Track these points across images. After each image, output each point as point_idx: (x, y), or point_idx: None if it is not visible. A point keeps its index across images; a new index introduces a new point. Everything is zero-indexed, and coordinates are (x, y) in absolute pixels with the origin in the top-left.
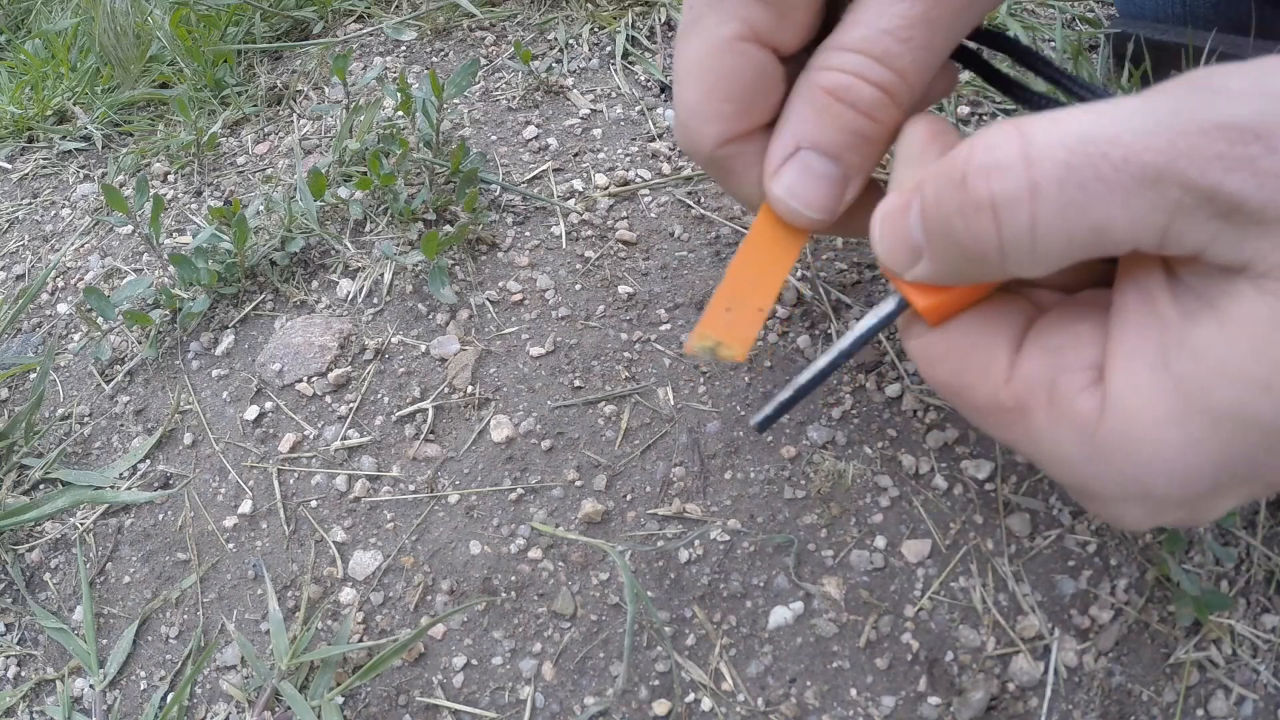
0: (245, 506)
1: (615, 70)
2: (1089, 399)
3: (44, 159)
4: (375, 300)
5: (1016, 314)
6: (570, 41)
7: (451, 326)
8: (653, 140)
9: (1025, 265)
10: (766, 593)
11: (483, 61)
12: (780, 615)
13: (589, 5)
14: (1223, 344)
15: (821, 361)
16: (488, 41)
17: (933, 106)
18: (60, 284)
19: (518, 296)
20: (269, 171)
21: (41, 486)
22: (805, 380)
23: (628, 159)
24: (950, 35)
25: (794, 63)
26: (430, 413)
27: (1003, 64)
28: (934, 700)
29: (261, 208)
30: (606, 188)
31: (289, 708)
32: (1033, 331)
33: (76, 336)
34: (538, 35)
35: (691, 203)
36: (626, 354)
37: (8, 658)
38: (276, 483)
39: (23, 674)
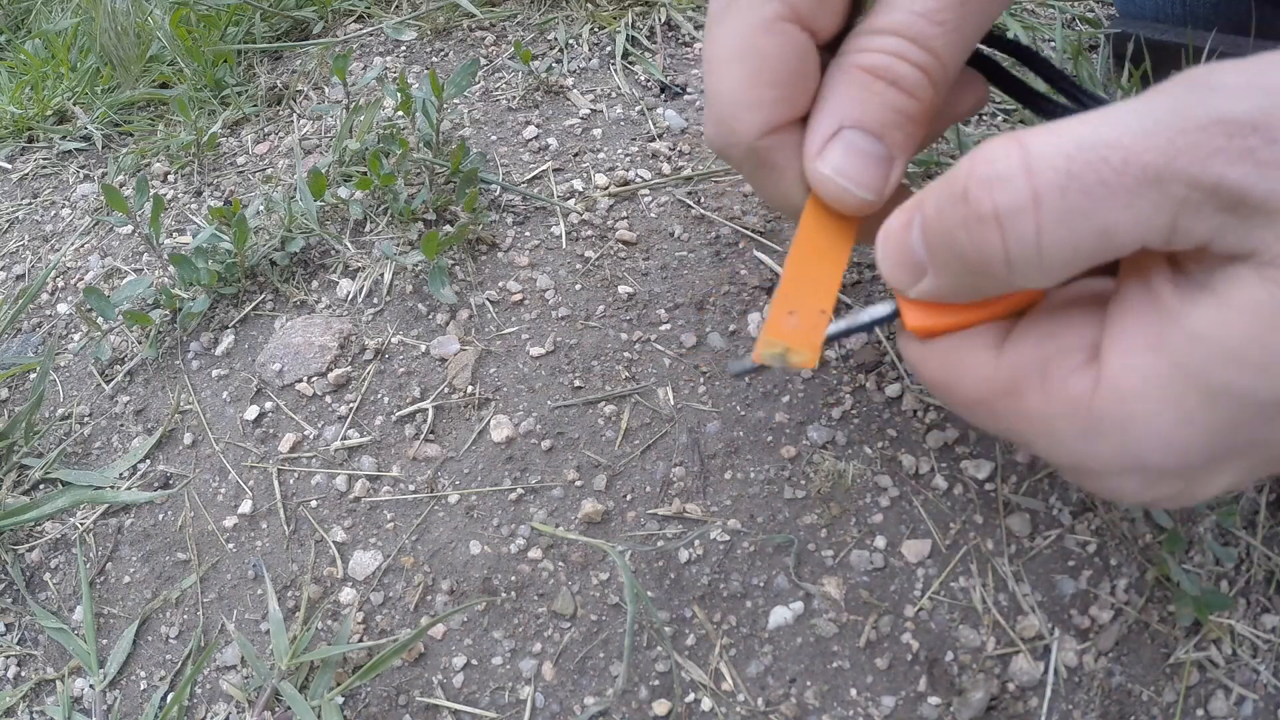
0: (245, 506)
1: (615, 70)
2: (1082, 377)
3: (44, 159)
4: (375, 300)
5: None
6: (570, 41)
7: (451, 326)
8: (653, 140)
9: (1033, 276)
10: (766, 593)
11: (483, 61)
12: (780, 615)
13: (589, 5)
14: (1222, 327)
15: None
16: (488, 41)
17: (961, 121)
18: (60, 284)
19: (518, 296)
20: (269, 171)
21: (41, 486)
22: None
23: (628, 159)
24: (980, 21)
25: (825, 52)
26: (430, 413)
27: (1019, 73)
28: (934, 700)
29: (261, 208)
30: (606, 188)
31: (289, 708)
32: (1023, 320)
33: (76, 336)
34: (538, 35)
35: (691, 203)
36: (626, 354)
37: (8, 658)
38: (276, 483)
39: (23, 674)
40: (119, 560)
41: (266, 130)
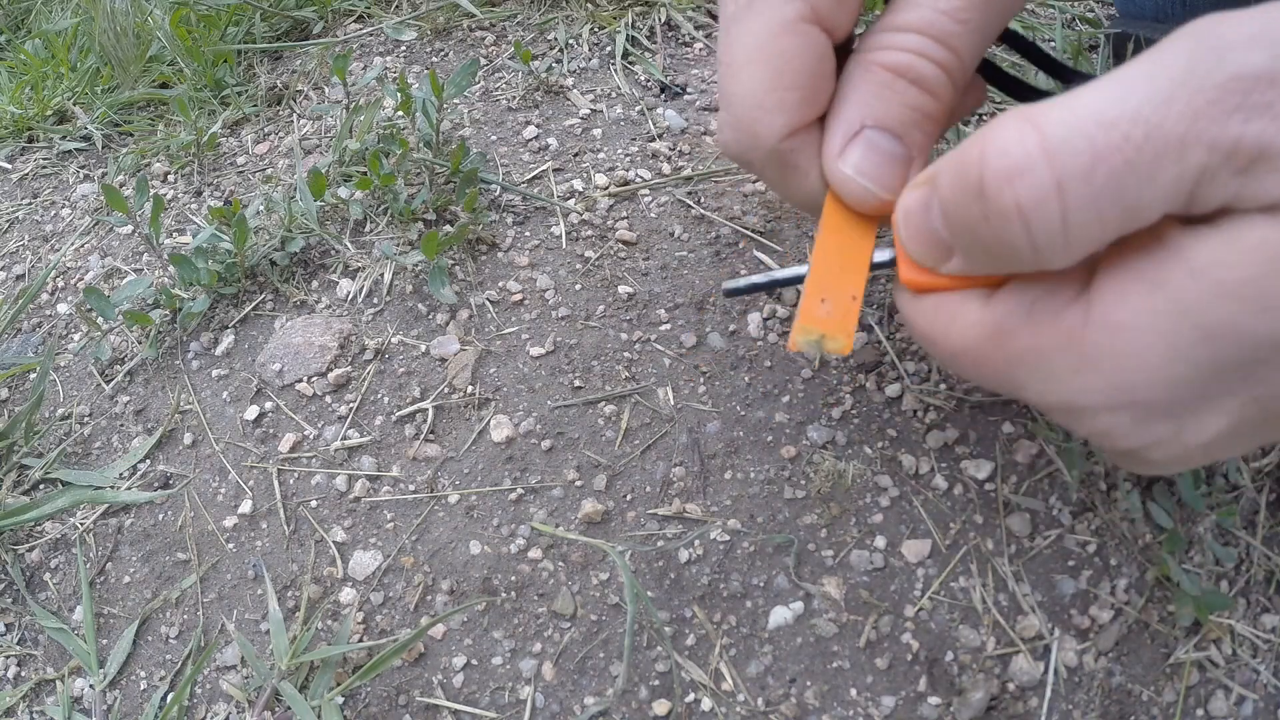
0: (245, 506)
1: (615, 70)
2: (1073, 312)
3: (44, 159)
4: (375, 300)
5: None
6: (570, 41)
7: (451, 326)
8: (653, 140)
9: (1060, 258)
10: (766, 593)
11: (483, 61)
12: (780, 615)
13: (589, 5)
14: (1225, 266)
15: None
16: (488, 41)
17: (962, 120)
18: (60, 284)
19: (518, 296)
20: (269, 171)
21: (41, 486)
22: (783, 276)
23: (628, 159)
24: (999, 21)
25: (839, 52)
26: (430, 413)
27: (1012, 68)
28: (934, 700)
29: (261, 208)
30: (606, 188)
31: (289, 708)
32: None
33: (76, 336)
34: (538, 35)
35: (691, 203)
36: (626, 354)
37: (8, 658)
38: (276, 483)
39: (23, 674)
40: (119, 560)
41: (266, 130)
